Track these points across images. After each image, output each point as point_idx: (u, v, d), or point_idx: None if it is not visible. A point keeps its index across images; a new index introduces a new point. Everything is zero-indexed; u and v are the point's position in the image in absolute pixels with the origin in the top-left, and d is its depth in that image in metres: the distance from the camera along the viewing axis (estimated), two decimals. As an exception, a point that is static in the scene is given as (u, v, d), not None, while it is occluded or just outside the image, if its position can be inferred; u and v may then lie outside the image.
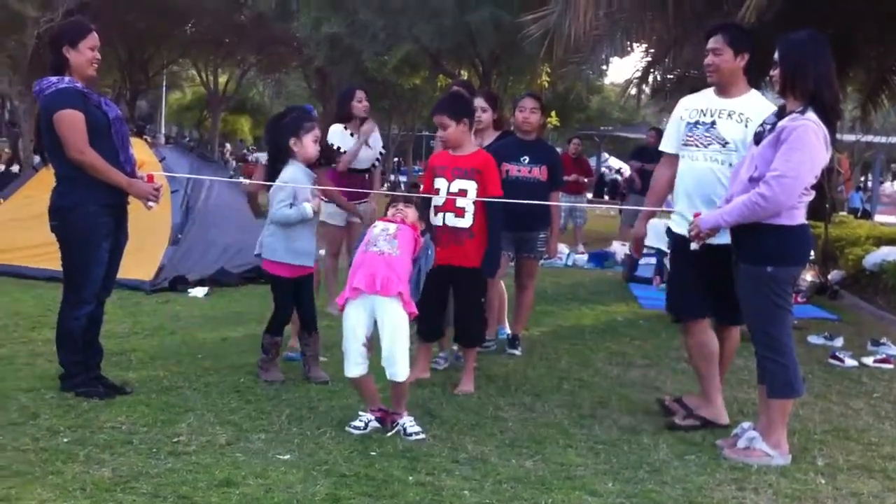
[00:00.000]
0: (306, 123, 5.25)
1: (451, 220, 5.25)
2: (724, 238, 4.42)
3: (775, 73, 4.23)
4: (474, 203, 5.22)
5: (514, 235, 6.25)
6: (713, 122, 4.71)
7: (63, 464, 3.76)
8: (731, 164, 4.61)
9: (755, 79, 4.85)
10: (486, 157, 5.37)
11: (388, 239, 4.45)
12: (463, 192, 5.23)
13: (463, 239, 5.24)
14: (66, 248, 4.81)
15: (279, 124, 5.40)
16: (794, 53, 4.17)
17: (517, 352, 6.46)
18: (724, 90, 4.76)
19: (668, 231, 4.99)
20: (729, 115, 4.68)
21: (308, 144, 5.21)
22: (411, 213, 4.70)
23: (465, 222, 5.25)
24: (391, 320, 4.37)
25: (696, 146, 4.75)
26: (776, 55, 4.21)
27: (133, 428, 4.28)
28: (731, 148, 4.65)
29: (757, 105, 4.68)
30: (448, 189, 5.26)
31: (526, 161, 6.23)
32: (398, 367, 4.38)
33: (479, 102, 6.34)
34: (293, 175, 5.20)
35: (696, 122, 4.77)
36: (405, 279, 4.42)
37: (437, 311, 5.39)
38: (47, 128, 4.70)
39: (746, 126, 4.60)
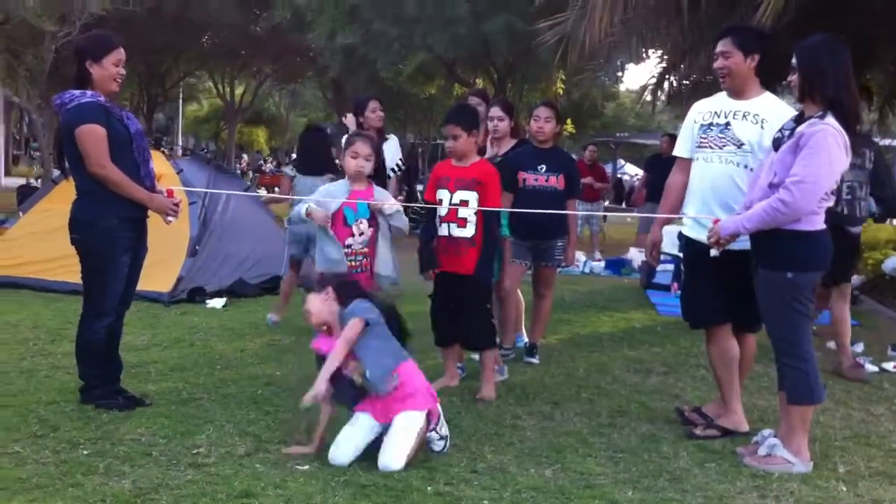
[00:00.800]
0: (346, 139, 5.37)
1: (455, 230, 5.30)
2: (742, 243, 4.40)
3: (793, 78, 4.20)
4: (476, 214, 5.25)
5: (532, 244, 6.26)
6: (727, 123, 4.66)
7: (83, 476, 3.78)
8: (746, 166, 4.58)
9: (772, 83, 4.80)
10: (487, 169, 5.40)
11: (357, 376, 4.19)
12: (464, 203, 5.27)
13: (464, 249, 5.28)
14: (86, 261, 4.83)
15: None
16: (812, 58, 4.15)
17: (535, 360, 6.44)
18: (737, 92, 4.71)
19: (680, 235, 4.97)
20: (744, 115, 4.64)
21: (347, 161, 5.28)
22: (314, 306, 4.32)
23: (467, 232, 5.29)
24: (403, 423, 4.14)
25: (711, 148, 4.70)
26: (794, 61, 4.19)
27: (152, 440, 4.30)
28: (746, 149, 4.60)
29: (772, 106, 4.64)
30: (450, 200, 5.31)
31: (543, 169, 6.22)
32: (392, 459, 4.03)
33: (495, 111, 6.34)
34: (331, 187, 5.35)
35: (710, 124, 4.73)
36: (424, 388, 4.27)
37: (447, 317, 5.42)
38: (69, 142, 4.71)
39: (762, 127, 4.55)
